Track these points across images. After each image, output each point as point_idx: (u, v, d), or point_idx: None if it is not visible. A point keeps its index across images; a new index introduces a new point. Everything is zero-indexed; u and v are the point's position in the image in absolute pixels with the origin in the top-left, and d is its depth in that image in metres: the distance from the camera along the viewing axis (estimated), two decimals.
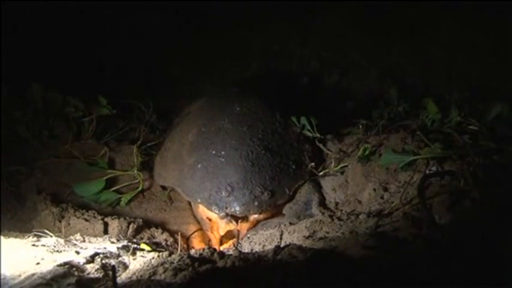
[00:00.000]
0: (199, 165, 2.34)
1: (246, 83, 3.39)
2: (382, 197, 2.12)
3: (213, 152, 2.34)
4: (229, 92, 2.86)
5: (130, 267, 1.67)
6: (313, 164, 2.48)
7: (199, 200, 2.31)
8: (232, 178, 2.24)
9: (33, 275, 1.43)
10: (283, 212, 2.39)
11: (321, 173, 2.51)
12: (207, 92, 3.01)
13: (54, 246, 1.76)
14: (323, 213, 2.26)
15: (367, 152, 2.35)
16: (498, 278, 1.26)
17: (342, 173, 2.50)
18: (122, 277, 1.56)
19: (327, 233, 1.89)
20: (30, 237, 1.89)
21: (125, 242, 1.99)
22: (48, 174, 2.47)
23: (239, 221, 2.28)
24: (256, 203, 2.22)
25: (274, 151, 2.40)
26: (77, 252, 1.70)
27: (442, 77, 3.56)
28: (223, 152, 2.32)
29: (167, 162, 2.58)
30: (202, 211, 2.43)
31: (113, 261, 1.67)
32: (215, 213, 2.25)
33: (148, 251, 1.94)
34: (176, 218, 2.51)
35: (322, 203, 2.41)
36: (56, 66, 2.99)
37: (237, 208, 2.21)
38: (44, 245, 1.76)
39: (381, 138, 2.45)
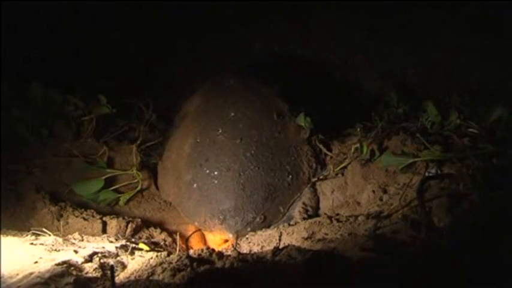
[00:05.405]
0: (194, 185, 2.41)
1: (243, 74, 3.31)
2: (381, 199, 2.12)
3: (207, 171, 2.40)
4: (225, 87, 2.80)
5: (129, 267, 1.67)
6: (315, 178, 2.49)
7: (196, 224, 2.41)
8: (225, 205, 2.30)
9: (31, 273, 1.43)
10: None
11: (321, 177, 2.51)
12: (204, 83, 2.96)
13: (53, 245, 1.75)
14: (304, 218, 2.29)
15: (366, 152, 2.35)
16: (497, 281, 1.26)
17: (342, 174, 2.49)
18: (120, 277, 1.55)
19: (326, 234, 1.89)
20: (29, 235, 1.89)
21: (124, 242, 1.99)
22: (47, 173, 2.46)
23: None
24: (249, 229, 2.29)
25: (268, 165, 2.41)
26: (75, 252, 1.70)
27: (442, 79, 3.57)
28: (216, 173, 2.38)
29: (167, 174, 2.63)
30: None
31: (111, 261, 1.67)
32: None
33: (147, 251, 1.94)
34: (175, 218, 2.51)
35: (306, 209, 2.41)
36: (56, 65, 2.99)
37: (231, 235, 2.29)
38: (42, 244, 1.76)
39: (381, 139, 2.45)
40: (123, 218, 2.27)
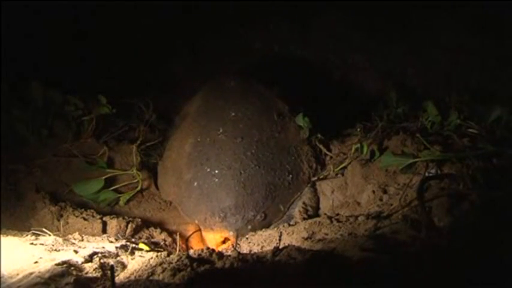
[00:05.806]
0: (195, 183, 2.42)
1: (243, 75, 3.31)
2: (381, 199, 2.12)
3: (208, 170, 2.41)
4: (226, 88, 2.81)
5: (129, 267, 1.67)
6: (315, 178, 2.49)
7: (196, 222, 2.41)
8: (225, 203, 2.32)
9: (31, 273, 1.43)
10: None
11: (321, 177, 2.51)
12: (205, 84, 2.98)
13: (53, 245, 1.75)
14: (304, 218, 2.30)
15: (366, 152, 2.35)
16: (497, 281, 1.26)
17: (342, 174, 2.49)
18: (120, 277, 1.55)
19: (326, 234, 1.89)
20: (29, 235, 1.90)
21: (124, 242, 1.99)
22: (47, 173, 2.46)
23: None
24: (249, 227, 2.31)
25: (269, 164, 2.43)
26: (75, 252, 1.70)
27: (442, 79, 3.57)
28: (217, 171, 2.39)
29: (168, 174, 2.64)
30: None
31: (111, 261, 1.67)
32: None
33: (147, 251, 1.94)
34: (175, 217, 2.50)
35: (306, 209, 2.41)
36: (56, 65, 2.99)
37: (231, 233, 2.30)
38: (42, 244, 1.76)
39: (381, 139, 2.45)
40: (123, 218, 2.27)
